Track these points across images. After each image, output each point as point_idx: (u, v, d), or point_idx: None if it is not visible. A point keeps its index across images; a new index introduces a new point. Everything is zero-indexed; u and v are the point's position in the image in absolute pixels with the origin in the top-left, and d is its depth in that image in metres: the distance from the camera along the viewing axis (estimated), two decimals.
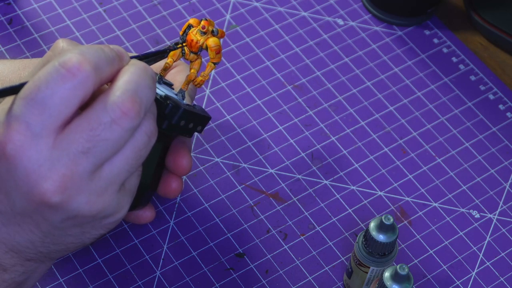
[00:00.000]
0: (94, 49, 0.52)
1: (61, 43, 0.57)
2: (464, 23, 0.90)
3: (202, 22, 0.64)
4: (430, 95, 0.84)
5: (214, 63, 0.64)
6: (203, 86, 0.80)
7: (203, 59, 0.67)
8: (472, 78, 0.86)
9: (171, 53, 0.64)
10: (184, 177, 0.76)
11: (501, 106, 0.84)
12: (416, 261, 0.73)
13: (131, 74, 0.53)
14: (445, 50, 0.87)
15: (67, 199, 0.52)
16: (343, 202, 0.76)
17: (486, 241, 0.75)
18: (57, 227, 0.54)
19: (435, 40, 0.88)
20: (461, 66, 0.86)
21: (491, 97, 0.84)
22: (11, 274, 0.56)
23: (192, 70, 0.64)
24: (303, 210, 0.75)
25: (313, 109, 0.82)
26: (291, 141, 0.79)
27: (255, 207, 0.75)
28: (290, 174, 0.77)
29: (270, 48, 0.86)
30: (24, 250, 0.56)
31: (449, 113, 0.83)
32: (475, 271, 0.73)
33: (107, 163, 0.53)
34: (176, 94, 0.64)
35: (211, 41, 0.63)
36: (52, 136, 0.51)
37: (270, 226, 0.74)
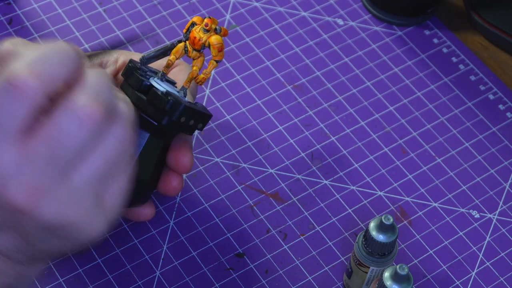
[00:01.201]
0: (43, 55, 0.51)
1: (6, 44, 0.54)
2: (464, 23, 0.90)
3: (205, 20, 0.64)
4: (430, 95, 0.84)
5: (216, 61, 0.64)
6: (203, 85, 0.80)
7: (205, 57, 0.67)
8: (472, 78, 0.86)
9: (174, 50, 0.65)
10: (184, 177, 0.76)
11: (501, 106, 0.84)
12: (416, 261, 0.73)
13: (92, 78, 0.52)
14: (445, 50, 0.87)
15: (38, 206, 0.51)
16: (343, 202, 0.76)
17: (486, 241, 0.75)
18: (36, 236, 0.53)
19: (435, 40, 0.88)
20: (461, 66, 0.86)
21: (491, 97, 0.84)
22: (3, 278, 0.56)
23: (194, 68, 0.65)
24: (303, 210, 0.75)
25: (313, 109, 0.82)
26: (291, 141, 0.79)
27: (255, 207, 0.75)
28: (290, 174, 0.77)
29: (270, 48, 0.86)
30: (12, 255, 0.55)
31: (449, 113, 0.83)
32: (475, 271, 0.73)
33: (76, 172, 0.51)
34: (178, 92, 0.64)
35: (214, 39, 0.64)
36: (16, 147, 0.50)
37: (270, 226, 0.74)
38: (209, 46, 0.64)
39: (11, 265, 0.56)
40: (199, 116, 0.64)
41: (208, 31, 0.64)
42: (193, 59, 0.65)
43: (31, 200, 0.51)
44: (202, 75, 0.65)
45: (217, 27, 0.64)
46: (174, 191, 0.67)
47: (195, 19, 0.65)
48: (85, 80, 0.52)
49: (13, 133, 0.50)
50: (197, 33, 0.64)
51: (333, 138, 0.80)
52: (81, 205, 0.52)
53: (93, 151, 0.52)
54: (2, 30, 0.84)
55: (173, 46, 0.65)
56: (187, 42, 0.65)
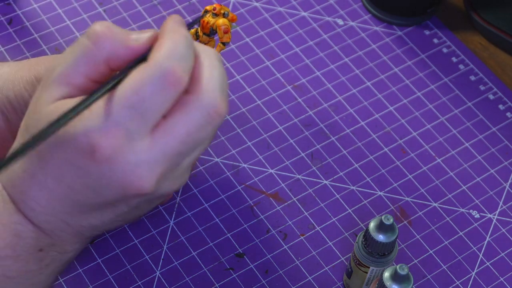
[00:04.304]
0: (185, 48, 0.53)
1: (102, 32, 0.55)
2: (464, 23, 0.90)
3: (214, 5, 0.67)
4: (430, 95, 0.84)
5: (223, 43, 0.67)
6: None
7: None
8: (472, 78, 0.86)
9: None
10: None
11: (501, 106, 0.84)
12: (416, 261, 0.73)
13: (213, 69, 0.55)
14: (445, 50, 0.87)
15: (157, 189, 0.54)
16: (343, 202, 0.76)
17: (485, 241, 0.75)
18: (133, 207, 0.57)
19: (435, 40, 0.88)
20: (461, 66, 0.86)
21: (491, 97, 0.84)
22: (70, 254, 0.59)
23: None
24: (303, 210, 0.75)
25: (313, 109, 0.82)
26: (291, 141, 0.79)
27: (255, 207, 0.75)
28: (290, 174, 0.77)
29: (270, 48, 0.86)
30: (93, 229, 0.58)
31: (449, 113, 0.83)
32: (475, 271, 0.73)
33: (187, 158, 0.56)
34: None
35: (220, 21, 0.67)
36: (148, 139, 0.53)
37: (270, 226, 0.74)
38: (216, 29, 0.67)
39: (81, 240, 0.59)
40: None
41: (216, 15, 0.67)
42: (204, 44, 0.67)
43: (156, 186, 0.54)
44: None
45: (226, 12, 0.67)
46: None
47: (207, 7, 0.68)
48: (210, 71, 0.54)
49: (151, 124, 0.53)
50: (207, 18, 0.67)
51: (333, 138, 0.80)
52: (185, 175, 0.57)
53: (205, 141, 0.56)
54: (2, 30, 0.84)
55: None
56: (198, 28, 0.68)
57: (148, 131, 0.53)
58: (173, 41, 0.53)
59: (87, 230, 0.58)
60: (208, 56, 0.55)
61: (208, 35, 0.68)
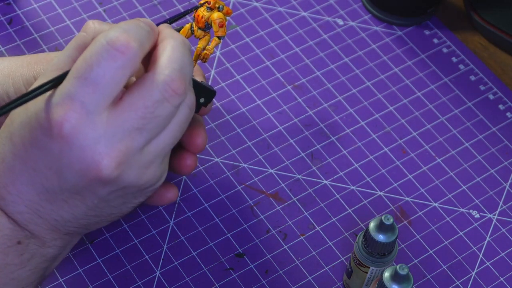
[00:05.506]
0: (134, 25, 0.55)
1: (92, 23, 0.58)
2: (464, 23, 0.90)
3: None
4: (430, 95, 0.84)
5: (219, 37, 0.67)
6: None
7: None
8: (472, 78, 0.86)
9: (181, 31, 0.67)
10: (184, 177, 0.76)
11: (501, 106, 0.84)
12: (416, 261, 0.73)
13: (174, 50, 0.56)
14: (445, 50, 0.87)
15: (120, 173, 0.54)
16: (343, 202, 0.76)
17: (486, 241, 0.75)
18: (103, 199, 0.57)
19: (435, 40, 0.88)
20: (461, 66, 0.86)
21: (491, 97, 0.84)
22: (50, 249, 0.59)
23: (198, 45, 0.67)
24: (303, 210, 0.75)
25: (313, 109, 0.82)
26: (291, 141, 0.79)
27: (255, 207, 0.75)
28: (290, 174, 0.77)
29: (270, 48, 0.86)
30: (66, 224, 0.58)
31: (449, 113, 0.83)
32: (475, 271, 0.73)
33: (155, 138, 0.56)
34: None
35: (215, 15, 0.66)
36: (105, 114, 0.53)
37: (270, 226, 0.74)
38: (211, 23, 0.67)
39: (60, 235, 0.59)
40: (203, 91, 0.66)
41: (211, 9, 0.67)
42: (199, 39, 0.68)
43: (118, 168, 0.54)
44: (205, 51, 0.67)
45: (220, 5, 0.67)
46: (188, 170, 0.68)
47: (202, 1, 0.68)
48: (169, 52, 0.56)
49: (108, 98, 0.53)
50: (201, 12, 0.67)
51: (333, 138, 0.80)
52: (155, 165, 0.57)
53: (171, 120, 0.56)
54: (2, 30, 0.84)
55: (180, 28, 0.68)
56: (193, 23, 0.68)
57: (105, 105, 0.53)
58: (125, 22, 0.55)
59: (61, 225, 0.58)
60: (173, 40, 0.57)
61: (203, 29, 0.67)
